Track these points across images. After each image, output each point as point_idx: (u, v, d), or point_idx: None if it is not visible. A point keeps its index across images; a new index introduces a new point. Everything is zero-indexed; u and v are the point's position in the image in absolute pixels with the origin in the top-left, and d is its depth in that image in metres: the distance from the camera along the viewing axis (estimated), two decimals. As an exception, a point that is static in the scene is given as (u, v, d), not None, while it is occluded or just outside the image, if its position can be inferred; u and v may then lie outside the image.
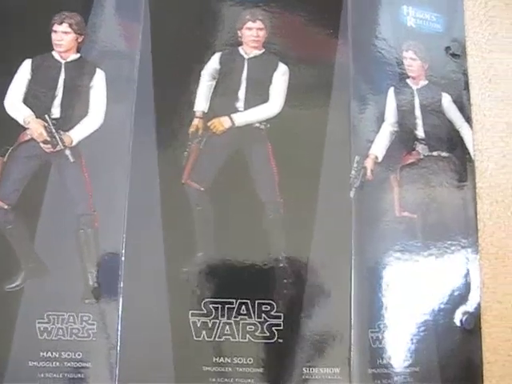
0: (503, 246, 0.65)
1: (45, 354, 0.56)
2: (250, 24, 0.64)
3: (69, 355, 0.56)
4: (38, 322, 0.56)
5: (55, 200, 0.59)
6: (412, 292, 0.61)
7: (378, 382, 0.58)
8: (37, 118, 0.60)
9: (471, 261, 0.63)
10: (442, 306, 0.62)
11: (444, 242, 0.63)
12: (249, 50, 0.64)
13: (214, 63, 0.63)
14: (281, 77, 0.63)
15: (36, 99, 0.60)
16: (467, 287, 0.63)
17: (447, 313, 0.62)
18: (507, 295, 0.64)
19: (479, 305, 0.63)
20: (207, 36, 0.63)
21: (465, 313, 0.62)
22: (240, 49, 0.64)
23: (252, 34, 0.63)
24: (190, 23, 0.64)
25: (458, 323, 0.61)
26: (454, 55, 0.68)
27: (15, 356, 0.55)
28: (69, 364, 0.56)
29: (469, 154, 0.66)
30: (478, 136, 0.67)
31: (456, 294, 0.62)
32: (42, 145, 0.60)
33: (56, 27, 0.62)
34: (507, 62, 0.70)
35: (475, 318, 0.62)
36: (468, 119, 0.67)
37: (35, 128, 0.60)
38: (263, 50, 0.64)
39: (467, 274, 0.63)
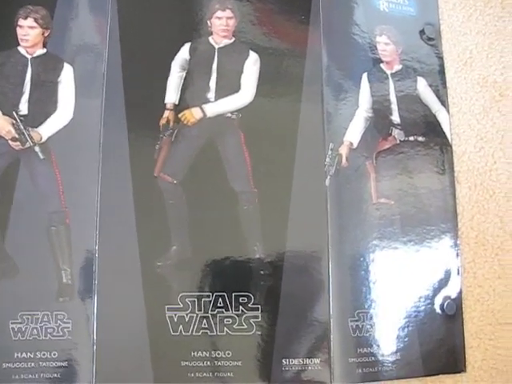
0: (483, 230, 0.65)
1: (19, 354, 0.54)
2: (219, 13, 0.62)
3: (44, 355, 0.55)
4: (12, 323, 0.55)
5: (25, 198, 0.57)
6: (392, 279, 0.61)
7: (359, 370, 0.58)
8: (4, 115, 0.58)
9: (451, 246, 0.63)
10: (423, 293, 0.61)
11: (423, 227, 0.62)
12: (219, 39, 0.62)
13: (183, 54, 0.61)
14: (252, 66, 0.62)
15: (3, 96, 0.59)
16: (447, 272, 0.62)
17: (428, 299, 0.61)
18: (487, 279, 0.64)
19: (460, 290, 0.62)
20: (176, 27, 0.62)
21: (446, 298, 0.61)
22: (210, 38, 0.63)
23: (221, 23, 0.62)
24: (159, 14, 0.63)
25: (439, 309, 0.61)
26: (428, 39, 0.67)
27: (-12, 358, 0.54)
28: (45, 364, 0.55)
29: (446, 137, 0.66)
30: (454, 119, 0.67)
31: (436, 279, 0.62)
32: (10, 142, 0.58)
33: (21, 22, 0.60)
34: (482, 45, 0.69)
35: (456, 303, 0.62)
36: (444, 103, 0.67)
37: (3, 125, 0.58)
38: (233, 39, 0.63)
39: (447, 259, 0.63)
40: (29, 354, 0.55)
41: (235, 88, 0.62)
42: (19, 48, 0.60)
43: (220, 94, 0.61)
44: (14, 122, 0.59)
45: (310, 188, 0.60)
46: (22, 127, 0.59)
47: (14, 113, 0.59)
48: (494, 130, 0.67)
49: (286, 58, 0.63)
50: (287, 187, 0.59)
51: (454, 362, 0.61)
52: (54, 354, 0.55)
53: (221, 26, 0.62)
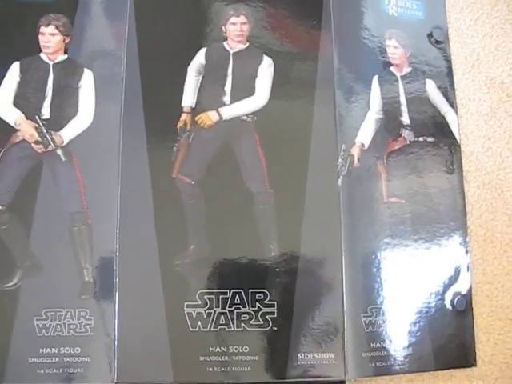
0: (491, 228, 0.66)
1: (44, 350, 0.56)
2: (233, 19, 0.64)
3: (67, 350, 0.57)
4: (36, 319, 0.57)
5: (48, 199, 0.59)
6: (403, 276, 0.62)
7: (372, 364, 0.60)
8: (27, 119, 0.61)
9: (460, 243, 0.64)
10: (434, 289, 0.63)
11: (433, 225, 0.64)
12: (233, 44, 0.64)
13: (199, 59, 0.63)
14: (266, 70, 0.64)
15: (26, 101, 0.61)
16: (457, 269, 0.64)
17: (438, 295, 0.63)
18: (496, 275, 0.65)
19: (470, 286, 0.64)
20: (192, 32, 0.64)
21: (456, 294, 0.63)
22: (225, 44, 0.64)
23: (236, 28, 0.64)
24: (175, 20, 0.65)
25: (450, 305, 0.62)
26: (436, 42, 0.69)
27: (15, 353, 0.56)
28: (68, 359, 0.57)
29: (454, 138, 0.67)
30: (463, 120, 0.68)
31: (446, 276, 0.63)
32: (33, 145, 0.60)
33: (43, 29, 0.63)
34: (489, 47, 0.71)
35: (466, 299, 0.63)
36: (452, 104, 0.68)
37: (26, 129, 0.61)
38: (248, 44, 0.65)
39: (457, 257, 0.64)
40: (53, 349, 0.57)
41: (250, 91, 0.63)
42: (41, 55, 0.63)
43: (235, 98, 0.63)
44: (37, 125, 0.61)
45: (323, 188, 0.61)
46: (44, 131, 0.61)
47: (36, 117, 0.61)
48: (501, 130, 0.69)
49: (299, 62, 0.64)
50: (301, 187, 0.61)
51: (465, 356, 0.62)
52: (77, 350, 0.57)
53: (235, 31, 0.64)
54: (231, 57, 0.64)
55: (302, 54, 0.65)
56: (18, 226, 0.59)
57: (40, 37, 0.63)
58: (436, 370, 0.61)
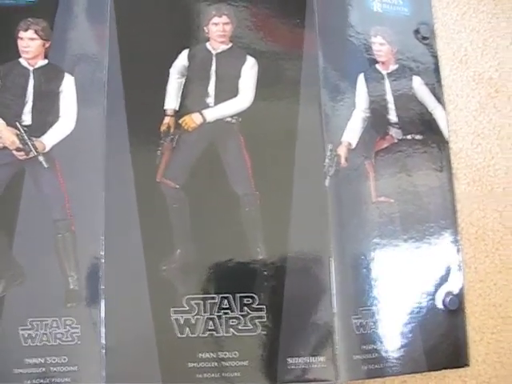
0: (482, 225, 0.66)
1: (30, 360, 0.55)
2: (215, 19, 0.63)
3: (54, 360, 0.56)
4: (21, 329, 0.56)
5: (31, 207, 0.58)
6: (394, 276, 0.61)
7: (364, 367, 0.59)
8: (8, 125, 0.60)
9: (451, 242, 0.64)
10: (425, 289, 0.62)
11: (423, 224, 0.63)
12: (216, 45, 0.63)
13: (182, 60, 0.62)
14: (249, 70, 0.63)
15: (6, 107, 0.60)
16: (449, 268, 0.63)
17: (430, 295, 0.62)
18: (489, 274, 0.65)
19: (462, 285, 0.63)
20: (174, 34, 0.63)
21: (448, 294, 0.62)
22: (207, 44, 0.63)
23: (218, 29, 0.63)
24: (156, 22, 0.64)
25: (442, 304, 0.62)
26: (423, 38, 0.68)
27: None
28: (55, 369, 0.56)
29: (443, 135, 0.66)
30: (451, 117, 0.67)
31: (438, 275, 0.63)
32: (14, 152, 0.59)
33: (22, 34, 0.61)
34: (477, 42, 0.70)
35: (458, 298, 0.62)
36: (440, 100, 0.67)
37: (7, 136, 0.60)
38: (231, 45, 0.64)
39: (448, 255, 0.63)
40: (39, 359, 0.56)
41: (234, 92, 0.62)
42: (20, 60, 0.61)
43: (219, 99, 0.62)
44: (18, 132, 0.60)
45: (310, 189, 0.61)
46: (25, 137, 0.60)
47: (17, 123, 0.60)
48: (490, 126, 0.68)
49: (283, 62, 0.63)
50: (288, 189, 0.60)
51: (458, 356, 0.61)
52: (64, 359, 0.56)
53: (218, 31, 0.63)
54: (214, 58, 0.63)
55: (287, 53, 0.64)
56: (1, 234, 0.58)
57: (19, 42, 0.61)
58: (429, 370, 0.61)
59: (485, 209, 0.66)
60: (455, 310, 0.62)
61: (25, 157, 0.60)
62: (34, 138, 0.60)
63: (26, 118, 0.60)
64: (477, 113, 0.68)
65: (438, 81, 0.67)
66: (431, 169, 0.65)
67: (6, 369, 0.55)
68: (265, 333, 0.58)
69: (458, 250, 0.64)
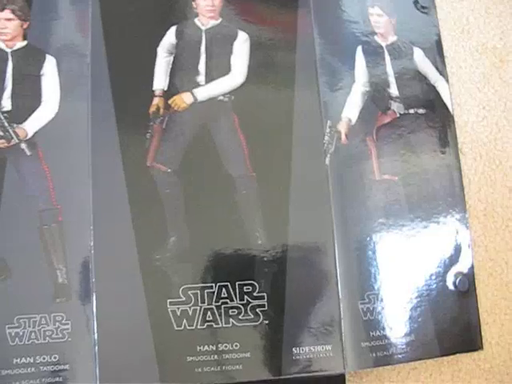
0: (491, 202, 0.63)
1: (18, 360, 0.52)
2: (204, -7, 0.60)
3: (44, 359, 0.53)
4: (8, 328, 0.53)
5: (14, 197, 0.55)
6: (401, 258, 0.58)
7: (373, 354, 0.56)
8: (-14, 112, 0.57)
9: (459, 220, 0.60)
10: (434, 270, 0.59)
11: (429, 202, 0.60)
12: (205, 20, 0.60)
13: (169, 38, 0.59)
14: (241, 46, 0.60)
15: (-16, 93, 0.57)
16: (457, 248, 0.60)
17: (439, 276, 0.59)
18: (499, 252, 0.62)
19: (472, 264, 0.60)
20: (160, 10, 0.60)
21: (458, 274, 0.59)
22: (196, 20, 0.60)
23: (207, 3, 0.60)
24: (141, -1, 0.61)
25: (452, 286, 0.59)
26: (422, 7, 0.65)
27: (-14, 366, 0.52)
28: (45, 368, 0.53)
29: (447, 108, 0.63)
30: (455, 89, 0.64)
31: (447, 255, 0.59)
32: (-6, 140, 0.56)
33: (-2, 15, 0.58)
34: (479, 10, 0.67)
35: (469, 278, 0.59)
36: (443, 73, 0.64)
37: (-14, 123, 0.56)
38: (220, 20, 0.60)
39: (456, 234, 0.60)
40: (28, 358, 0.53)
41: (225, 70, 0.59)
42: (-2, 42, 0.58)
43: (210, 77, 0.59)
44: (-2, 119, 0.57)
45: (309, 168, 0.57)
46: (6, 124, 0.56)
47: (-4, 110, 0.57)
48: (496, 98, 0.65)
49: (276, 35, 0.60)
50: (286, 169, 0.57)
51: (470, 339, 0.58)
52: (55, 358, 0.53)
53: (206, 6, 0.60)
54: (203, 34, 0.60)
55: (280, 26, 0.60)
56: (-17, 227, 0.55)
57: (-5, 23, 0.58)
58: (441, 355, 0.58)
59: (493, 184, 0.63)
60: (466, 291, 0.59)
61: (6, 145, 0.56)
62: (14, 125, 0.57)
63: (6, 104, 0.57)
64: (481, 84, 0.65)
65: (440, 52, 0.64)
66: (436, 144, 0.61)
67: (-8, 370, 0.52)
68: (267, 322, 0.55)
69: (467, 228, 0.61)
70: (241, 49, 0.60)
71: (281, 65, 0.60)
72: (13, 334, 0.53)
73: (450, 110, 0.63)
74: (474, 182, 0.63)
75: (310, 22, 0.61)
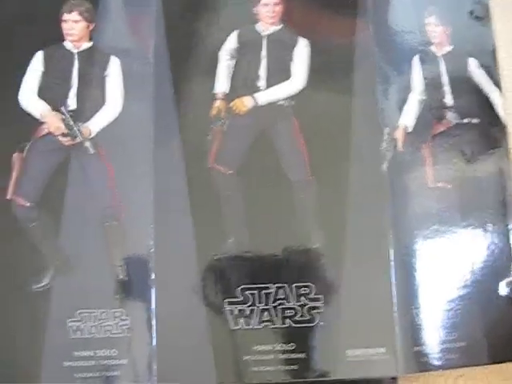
0: (544, 211, 0.63)
1: (79, 353, 0.54)
2: (265, 0, 0.61)
3: (104, 353, 0.54)
4: (70, 321, 0.54)
5: (78, 194, 0.57)
6: (452, 265, 0.59)
7: (424, 359, 0.56)
8: (53, 111, 0.58)
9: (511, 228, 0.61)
10: (486, 278, 0.59)
11: (482, 210, 0.60)
12: (266, 26, 0.61)
13: (231, 42, 0.60)
14: (301, 51, 0.61)
15: (51, 92, 0.58)
16: (510, 256, 0.61)
17: (491, 283, 0.59)
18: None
19: (524, 273, 0.61)
20: (222, 16, 0.61)
21: (510, 282, 0.60)
22: (257, 26, 0.61)
23: (268, 9, 0.61)
24: (204, 4, 0.62)
25: (504, 294, 0.59)
26: (478, 18, 0.65)
27: (48, 357, 0.53)
28: (105, 362, 0.54)
29: (500, 119, 0.64)
30: (508, 100, 0.65)
31: (499, 263, 0.60)
32: (60, 138, 0.57)
33: (65, 16, 0.59)
34: (533, 23, 0.68)
35: (520, 286, 0.60)
36: (497, 83, 0.64)
37: (52, 122, 0.58)
38: (281, 26, 0.62)
39: (508, 243, 0.61)
40: (88, 352, 0.54)
41: (286, 75, 0.60)
42: (65, 43, 0.60)
43: (271, 82, 0.60)
44: (64, 117, 0.58)
45: (367, 174, 0.58)
46: (71, 122, 0.58)
47: (62, 108, 0.58)
48: (548, 110, 0.66)
49: (336, 43, 0.61)
50: (345, 174, 0.58)
51: (522, 347, 0.59)
52: (114, 352, 0.54)
53: (268, 12, 0.61)
54: (264, 39, 0.61)
55: (339, 34, 0.61)
56: (47, 223, 0.56)
57: (63, 24, 0.60)
58: (490, 363, 0.58)
59: (545, 194, 0.63)
60: (517, 298, 0.60)
61: (70, 142, 0.58)
62: (79, 123, 0.58)
63: (71, 103, 0.58)
64: (535, 96, 0.66)
65: (495, 63, 0.65)
66: (489, 153, 0.62)
67: (55, 361, 0.53)
68: (322, 323, 0.55)
69: (519, 237, 0.61)
70: (301, 54, 0.60)
71: (339, 71, 0.61)
72: (74, 327, 0.54)
73: (504, 120, 0.64)
74: (526, 191, 0.63)
75: (368, 31, 0.62)
